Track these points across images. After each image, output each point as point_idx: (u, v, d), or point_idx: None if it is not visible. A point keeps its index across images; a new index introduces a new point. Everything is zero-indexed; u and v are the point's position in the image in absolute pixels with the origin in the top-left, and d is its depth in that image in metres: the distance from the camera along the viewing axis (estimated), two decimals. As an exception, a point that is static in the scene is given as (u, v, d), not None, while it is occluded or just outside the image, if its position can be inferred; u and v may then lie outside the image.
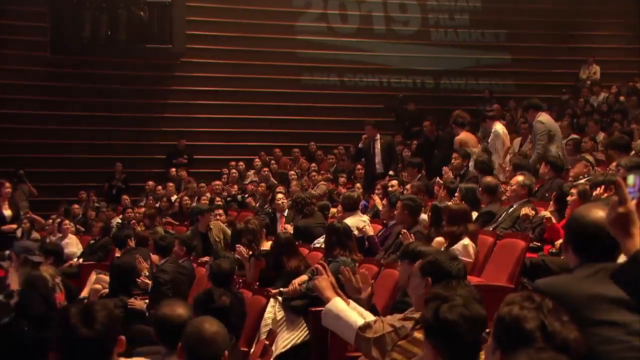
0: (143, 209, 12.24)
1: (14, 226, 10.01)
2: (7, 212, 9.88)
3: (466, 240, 5.73)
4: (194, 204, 11.69)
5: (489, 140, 9.99)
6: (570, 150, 9.24)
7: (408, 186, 9.35)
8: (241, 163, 15.11)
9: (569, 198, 6.02)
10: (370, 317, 3.51)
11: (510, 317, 2.04)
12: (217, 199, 11.71)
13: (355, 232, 6.99)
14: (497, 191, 7.34)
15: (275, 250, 6.35)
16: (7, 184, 10.25)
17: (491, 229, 6.59)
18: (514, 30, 17.87)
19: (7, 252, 8.20)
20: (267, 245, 7.01)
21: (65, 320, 2.56)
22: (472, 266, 5.69)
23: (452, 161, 9.08)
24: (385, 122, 16.54)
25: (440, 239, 6.10)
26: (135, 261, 7.37)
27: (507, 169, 8.79)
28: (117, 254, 10.04)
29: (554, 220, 6.05)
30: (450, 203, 6.71)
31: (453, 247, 5.64)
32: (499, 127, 9.99)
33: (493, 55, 17.76)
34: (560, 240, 5.49)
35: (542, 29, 17.75)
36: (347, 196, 7.79)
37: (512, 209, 6.87)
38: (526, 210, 6.33)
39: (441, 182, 8.52)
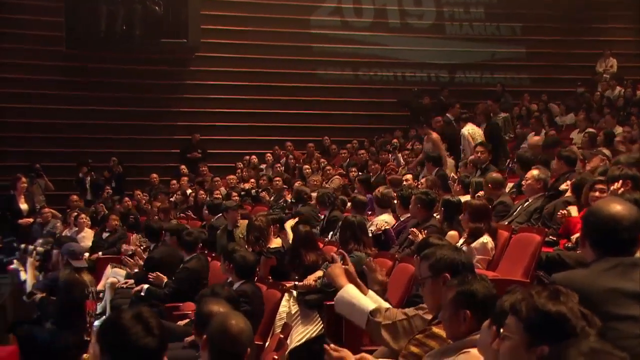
0: (158, 203, 12.30)
1: (30, 220, 10.09)
2: (24, 206, 9.98)
3: (485, 238, 5.68)
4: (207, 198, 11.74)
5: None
6: (586, 144, 9.17)
7: (422, 180, 9.34)
8: (254, 157, 15.14)
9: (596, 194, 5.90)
10: (386, 305, 3.51)
11: (558, 314, 2.00)
12: (233, 193, 11.72)
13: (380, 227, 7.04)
14: (504, 185, 7.35)
15: (294, 243, 6.36)
16: (23, 179, 10.34)
17: (506, 223, 6.56)
18: (529, 24, 17.76)
19: (23, 245, 8.28)
20: (276, 242, 6.99)
21: (121, 328, 2.46)
22: (488, 261, 5.66)
23: (477, 155, 9.05)
24: (399, 116, 16.54)
25: (453, 233, 6.07)
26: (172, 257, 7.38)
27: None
28: (133, 247, 10.13)
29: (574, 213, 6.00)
30: (470, 199, 6.66)
31: (472, 245, 5.60)
32: (465, 128, 10.45)
33: (508, 49, 17.66)
34: (577, 235, 5.44)
35: (558, 22, 17.62)
36: (383, 193, 7.76)
37: (528, 203, 6.82)
38: (564, 211, 6.20)
39: (456, 176, 8.50)
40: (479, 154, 9.05)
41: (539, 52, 17.55)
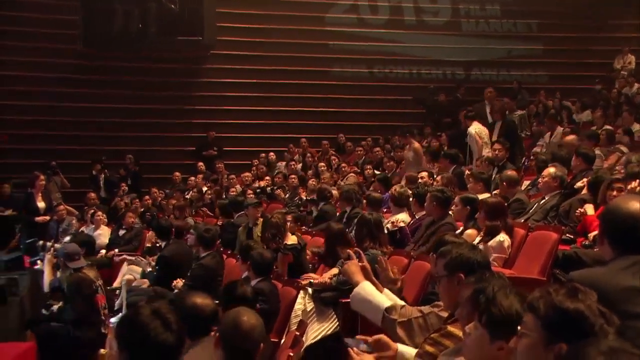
0: (174, 201, 12.35)
1: (47, 217, 10.16)
2: (41, 204, 10.05)
3: (502, 236, 5.65)
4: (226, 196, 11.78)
5: (467, 139, 10.51)
6: (604, 141, 9.11)
7: (438, 177, 9.31)
8: (272, 154, 15.16)
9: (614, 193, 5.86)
10: (401, 303, 3.50)
11: (576, 312, 1.99)
12: (249, 190, 11.74)
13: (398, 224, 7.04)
14: (519, 183, 7.32)
15: (329, 240, 6.37)
16: (42, 177, 10.40)
17: (522, 220, 6.53)
18: (546, 20, 17.64)
19: (41, 242, 8.34)
20: (292, 238, 7.01)
21: (140, 325, 2.46)
22: (504, 259, 5.63)
23: (495, 152, 9.01)
24: (414, 113, 16.50)
25: (471, 231, 6.04)
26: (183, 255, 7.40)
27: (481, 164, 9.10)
28: (149, 244, 10.19)
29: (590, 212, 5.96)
30: (487, 196, 6.63)
31: (488, 244, 5.57)
32: (471, 127, 10.46)
33: (525, 46, 17.56)
34: (594, 232, 5.41)
35: (575, 19, 17.49)
36: (400, 192, 7.76)
37: (544, 200, 6.79)
38: (582, 210, 6.16)
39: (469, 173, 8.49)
40: (496, 152, 9.02)
41: (556, 49, 17.43)
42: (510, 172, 7.66)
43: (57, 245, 7.62)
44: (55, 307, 6.26)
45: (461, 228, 6.36)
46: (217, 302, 3.72)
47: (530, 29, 17.81)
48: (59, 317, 6.15)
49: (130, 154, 15.18)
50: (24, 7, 15.51)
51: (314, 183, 11.95)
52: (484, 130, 10.44)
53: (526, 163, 10.26)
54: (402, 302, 3.58)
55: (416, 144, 11.29)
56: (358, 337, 3.26)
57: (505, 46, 17.55)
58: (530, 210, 6.76)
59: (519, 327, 2.12)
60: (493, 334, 2.32)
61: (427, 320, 3.33)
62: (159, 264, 7.72)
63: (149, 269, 8.14)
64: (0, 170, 14.27)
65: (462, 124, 12.78)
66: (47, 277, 6.93)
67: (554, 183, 6.73)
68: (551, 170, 6.83)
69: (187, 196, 13.30)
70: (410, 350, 3.17)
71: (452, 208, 6.72)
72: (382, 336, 3.24)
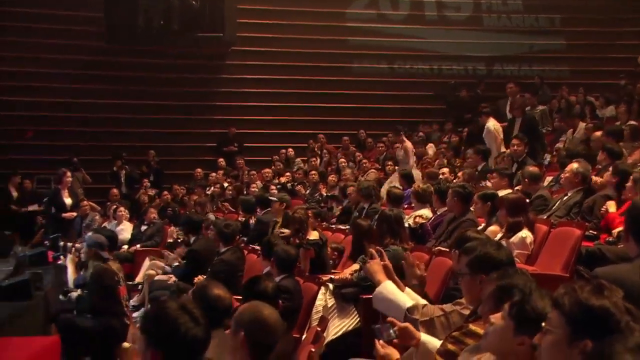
0: (195, 197, 12.42)
1: (74, 214, 10.26)
2: (68, 200, 10.14)
3: (524, 232, 5.61)
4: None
5: (483, 135, 10.49)
6: (628, 137, 9.00)
7: (460, 173, 9.27)
8: (290, 150, 15.17)
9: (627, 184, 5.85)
10: (423, 302, 3.49)
11: (602, 309, 1.98)
12: (272, 187, 11.76)
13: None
14: (541, 179, 7.27)
15: (356, 236, 6.39)
16: (68, 173, 10.50)
17: (545, 217, 6.48)
18: (568, 15, 17.48)
19: (62, 243, 8.39)
20: (313, 234, 7.01)
21: (170, 320, 2.46)
22: (526, 256, 5.59)
23: (513, 148, 8.95)
24: (435, 109, 16.43)
25: (494, 227, 6.01)
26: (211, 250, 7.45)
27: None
28: (170, 239, 10.26)
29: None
30: (508, 193, 6.58)
31: (510, 240, 5.54)
32: (490, 123, 10.45)
33: (547, 41, 17.41)
34: (618, 229, 5.36)
35: (598, 13, 17.30)
36: (423, 188, 7.75)
37: (567, 197, 6.73)
38: (607, 207, 6.09)
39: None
40: (515, 147, 8.95)
41: (579, 44, 17.26)
42: (532, 168, 7.60)
43: (77, 246, 7.68)
44: (74, 295, 6.32)
45: (483, 224, 6.33)
46: (237, 297, 3.74)
47: (552, 24, 17.65)
48: (78, 306, 6.21)
49: (151, 150, 15.28)
50: (48, 4, 15.65)
51: (334, 179, 11.97)
52: (499, 127, 10.45)
53: (548, 159, 10.18)
54: (424, 301, 3.57)
55: (407, 143, 11.33)
56: (389, 319, 3.26)
57: (527, 41, 17.41)
58: (553, 207, 6.70)
59: (543, 324, 2.11)
60: (518, 327, 2.32)
61: (449, 318, 3.32)
62: (187, 258, 7.78)
63: (176, 264, 8.19)
64: (24, 166, 14.43)
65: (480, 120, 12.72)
66: (70, 276, 6.99)
67: (577, 179, 6.67)
68: (574, 166, 6.77)
69: (208, 192, 13.37)
70: (434, 342, 3.16)
71: (472, 205, 6.68)
72: (409, 325, 3.24)
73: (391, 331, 3.20)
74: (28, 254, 7.56)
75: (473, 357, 2.76)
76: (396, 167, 12.09)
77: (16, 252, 7.92)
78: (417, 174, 10.51)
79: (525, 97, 12.39)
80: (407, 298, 3.48)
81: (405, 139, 11.60)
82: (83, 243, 7.48)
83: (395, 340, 3.28)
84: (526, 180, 7.34)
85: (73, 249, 7.11)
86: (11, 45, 15.42)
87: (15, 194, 13.85)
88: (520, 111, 10.46)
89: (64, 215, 10.02)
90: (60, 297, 6.38)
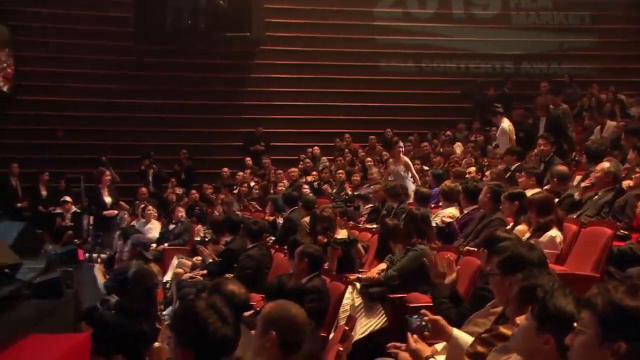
0: (222, 195, 12.49)
1: (114, 212, 10.37)
2: (108, 199, 10.26)
3: (554, 232, 5.54)
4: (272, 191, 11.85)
5: (497, 134, 10.62)
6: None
7: (488, 172, 9.21)
8: (316, 148, 15.18)
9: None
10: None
11: (637, 310, 1.95)
12: (304, 186, 11.78)
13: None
14: (570, 178, 7.20)
15: (382, 236, 6.38)
16: (107, 172, 10.61)
17: (575, 216, 6.40)
18: (599, 12, 17.26)
19: (87, 255, 8.47)
20: (342, 233, 7.01)
21: (199, 319, 2.48)
22: (556, 255, 5.53)
23: (540, 147, 8.87)
24: (462, 108, 16.33)
25: (522, 227, 5.95)
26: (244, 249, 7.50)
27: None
28: (197, 237, 10.32)
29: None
30: (534, 192, 6.51)
31: (539, 239, 5.48)
32: (505, 123, 10.61)
33: (577, 38, 17.20)
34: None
35: (629, 10, 17.06)
36: (451, 187, 7.72)
37: (597, 196, 6.64)
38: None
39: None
40: (541, 147, 8.87)
41: (610, 41, 17.04)
42: (561, 167, 7.52)
43: (102, 256, 7.77)
44: (112, 302, 6.39)
45: (511, 224, 6.27)
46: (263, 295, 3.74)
47: (582, 21, 17.44)
48: (116, 309, 6.27)
49: (180, 149, 15.41)
50: (77, 4, 15.84)
51: (357, 178, 11.96)
52: (513, 128, 10.54)
53: (577, 158, 10.06)
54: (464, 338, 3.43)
55: (405, 158, 11.15)
56: (423, 310, 3.25)
57: (557, 39, 17.22)
58: (584, 206, 6.63)
59: (575, 324, 2.09)
60: (541, 326, 2.31)
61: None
62: (223, 256, 7.84)
63: (210, 260, 8.25)
64: (55, 165, 14.62)
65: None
66: (100, 282, 7.03)
67: (607, 178, 6.58)
68: (605, 165, 6.68)
69: (235, 191, 13.43)
70: (465, 338, 3.14)
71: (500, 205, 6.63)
72: (440, 318, 3.22)
73: (423, 323, 3.19)
74: (59, 252, 7.65)
75: (501, 358, 2.74)
76: (424, 167, 12.06)
77: (47, 251, 8.02)
78: (411, 188, 10.28)
79: (548, 98, 12.20)
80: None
81: (402, 155, 11.20)
82: (126, 242, 7.54)
83: (426, 333, 3.27)
84: (555, 179, 7.27)
85: (99, 259, 7.16)
86: (41, 45, 15.64)
87: (44, 192, 14.05)
88: (545, 110, 10.38)
89: (105, 213, 10.13)
90: (98, 305, 6.45)
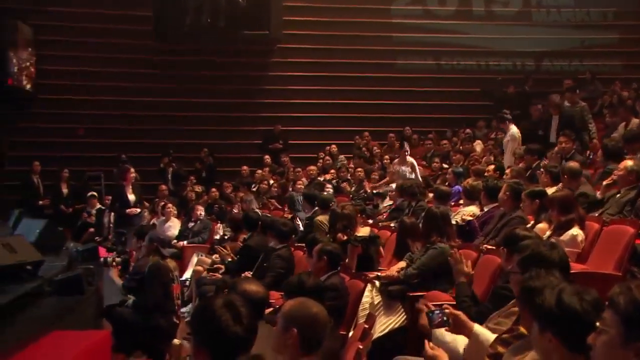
0: (242, 194, 12.52)
1: (137, 210, 10.45)
2: (132, 197, 10.32)
3: (575, 230, 5.48)
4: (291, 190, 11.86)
5: (505, 140, 10.69)
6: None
7: (507, 170, 9.14)
8: (334, 146, 15.17)
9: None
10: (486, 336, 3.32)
11: None
12: (327, 185, 11.77)
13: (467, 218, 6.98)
14: (581, 174, 7.13)
15: (401, 234, 6.37)
16: (132, 169, 10.67)
17: (597, 214, 6.35)
18: (622, 9, 17.08)
19: (102, 258, 8.50)
20: (362, 230, 7.01)
21: (212, 316, 2.51)
22: (577, 254, 5.48)
23: (561, 145, 8.80)
24: (482, 106, 16.24)
25: (542, 225, 5.91)
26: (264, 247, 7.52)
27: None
28: (217, 236, 10.35)
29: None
30: (555, 191, 6.46)
31: (560, 238, 5.43)
32: (515, 130, 10.68)
33: (599, 35, 17.03)
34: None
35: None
36: (472, 185, 7.69)
37: (620, 194, 6.57)
38: None
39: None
40: (562, 144, 8.81)
41: (633, 38, 16.85)
42: (572, 164, 7.45)
43: (117, 259, 7.80)
44: (130, 302, 6.44)
45: (532, 222, 6.23)
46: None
47: (605, 18, 17.27)
48: (133, 306, 6.32)
49: (199, 147, 15.48)
50: (98, 3, 15.96)
51: (376, 176, 11.94)
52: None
53: (591, 156, 9.98)
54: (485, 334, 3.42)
55: (410, 158, 11.26)
56: (445, 305, 3.24)
57: (579, 36, 17.06)
58: (606, 204, 6.56)
59: (597, 324, 2.07)
60: (540, 325, 2.32)
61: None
62: (241, 253, 7.87)
63: (229, 259, 8.29)
64: (75, 164, 14.74)
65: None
66: (118, 282, 7.05)
67: (630, 177, 6.50)
68: (628, 163, 6.61)
69: (254, 189, 13.47)
70: (486, 334, 3.12)
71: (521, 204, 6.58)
72: (461, 313, 3.21)
73: (445, 318, 3.18)
74: (80, 249, 7.72)
75: (515, 358, 2.72)
76: (444, 165, 12.00)
77: (68, 248, 8.09)
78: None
79: (566, 94, 12.09)
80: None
81: (408, 155, 11.31)
82: (139, 241, 7.57)
83: (447, 328, 3.26)
84: (565, 176, 7.21)
85: (114, 262, 7.20)
86: (61, 44, 15.78)
87: (65, 190, 14.18)
88: (557, 108, 10.32)
89: (128, 211, 10.20)
90: (118, 307, 6.49)
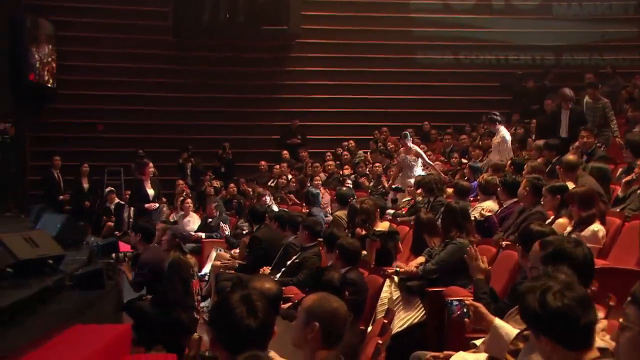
0: (260, 189, 12.55)
1: (156, 205, 10.53)
2: (151, 192, 10.39)
3: (596, 226, 5.43)
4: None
5: (497, 141, 10.66)
6: None
7: (526, 165, 9.07)
8: (351, 142, 15.15)
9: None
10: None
11: None
12: (347, 181, 11.76)
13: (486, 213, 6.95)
14: (577, 169, 7.06)
15: (417, 230, 6.36)
16: (151, 164, 10.73)
17: (618, 210, 6.29)
18: (644, 2, 16.88)
19: (114, 254, 8.54)
20: (381, 225, 7.00)
21: (227, 308, 2.54)
22: (598, 250, 5.44)
23: (582, 139, 8.73)
24: (501, 100, 16.13)
25: (563, 220, 5.86)
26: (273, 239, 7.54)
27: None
28: (226, 231, 10.38)
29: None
30: (575, 186, 6.41)
31: (581, 234, 5.39)
32: (505, 132, 10.87)
33: (620, 29, 16.84)
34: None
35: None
36: (487, 180, 7.66)
37: (641, 189, 6.52)
38: None
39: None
40: (584, 139, 8.73)
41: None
42: (571, 157, 7.37)
43: (129, 255, 7.86)
44: (149, 298, 6.47)
45: (552, 217, 6.19)
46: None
47: (626, 11, 17.08)
48: (153, 300, 6.35)
49: (217, 143, 15.53)
50: (118, 0, 16.04)
51: (392, 172, 11.90)
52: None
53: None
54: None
55: (415, 147, 11.19)
56: (465, 297, 3.23)
57: (599, 29, 16.88)
58: (627, 200, 6.51)
59: (620, 320, 2.05)
60: (532, 330, 2.33)
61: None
62: (250, 246, 7.91)
63: (237, 264, 8.35)
64: (95, 159, 14.85)
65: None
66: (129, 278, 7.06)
67: (652, 172, 6.45)
68: (649, 158, 6.55)
69: (272, 184, 13.50)
70: (507, 328, 3.11)
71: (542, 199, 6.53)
72: (481, 306, 3.19)
73: (465, 309, 3.16)
74: (100, 244, 7.78)
75: (526, 357, 2.72)
76: (463, 160, 11.95)
77: (89, 243, 8.16)
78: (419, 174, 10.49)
79: (587, 91, 11.98)
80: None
81: (411, 143, 11.24)
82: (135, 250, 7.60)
83: (467, 320, 3.24)
84: (561, 169, 7.14)
85: (125, 257, 7.24)
86: (81, 40, 15.88)
87: (86, 185, 14.28)
88: (568, 103, 10.24)
89: (146, 206, 10.29)
90: (138, 302, 6.53)
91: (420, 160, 10.83)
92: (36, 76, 14.95)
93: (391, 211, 9.32)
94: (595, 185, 6.42)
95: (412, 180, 10.28)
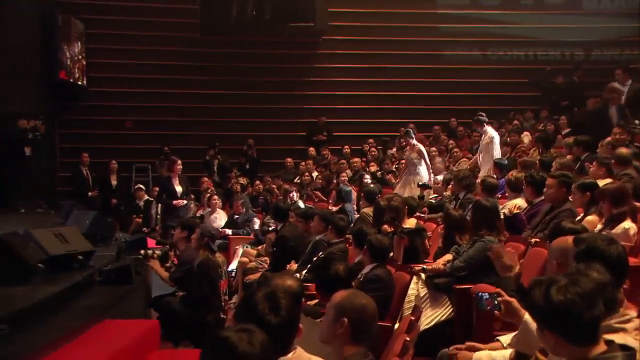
0: (287, 186, 12.58)
1: (184, 201, 10.60)
2: (179, 188, 10.48)
3: (628, 223, 5.34)
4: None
5: (485, 142, 10.68)
6: None
7: (554, 162, 8.97)
8: (371, 140, 15.12)
9: None
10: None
11: None
12: (365, 176, 11.74)
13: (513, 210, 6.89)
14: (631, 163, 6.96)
15: (447, 227, 6.33)
16: (179, 161, 10.82)
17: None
18: (675, -5, 16.57)
19: (142, 252, 8.61)
20: (409, 222, 6.97)
21: (252, 305, 2.58)
22: (630, 247, 5.35)
23: (615, 136, 8.61)
24: (530, 96, 15.98)
25: (592, 218, 5.79)
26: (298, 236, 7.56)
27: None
28: (255, 226, 10.41)
29: None
30: (607, 182, 6.32)
31: (612, 231, 5.31)
32: (493, 132, 10.95)
33: (651, 23, 16.59)
34: None
35: None
36: (516, 177, 7.61)
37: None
38: None
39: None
40: (617, 135, 8.62)
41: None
42: (623, 149, 7.25)
43: (157, 252, 7.93)
44: (179, 297, 6.51)
45: (581, 214, 6.11)
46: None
47: (657, 5, 16.81)
48: (181, 299, 6.39)
49: (244, 139, 15.58)
50: (145, -2, 16.19)
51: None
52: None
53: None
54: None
55: (419, 145, 11.28)
56: (497, 290, 3.21)
57: (630, 24, 16.62)
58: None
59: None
60: (538, 325, 2.34)
61: None
62: (277, 245, 7.94)
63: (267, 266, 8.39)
64: (123, 155, 14.99)
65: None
66: (163, 275, 7.08)
67: (684, 168, 6.34)
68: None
69: (297, 181, 13.51)
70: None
71: (571, 196, 6.45)
72: (514, 300, 3.17)
73: (496, 302, 3.13)
74: (128, 240, 7.85)
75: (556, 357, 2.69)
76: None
77: (117, 239, 8.24)
78: (424, 174, 10.65)
79: (615, 85, 11.82)
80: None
81: (415, 141, 11.35)
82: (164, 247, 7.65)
83: (497, 313, 3.22)
84: (614, 162, 7.04)
85: (154, 254, 7.30)
86: (109, 38, 16.03)
87: (114, 182, 14.42)
88: (617, 97, 10.10)
89: (174, 202, 10.35)
90: (167, 299, 6.57)
91: (422, 159, 10.92)
92: (67, 74, 15.12)
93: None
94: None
95: (417, 178, 10.35)
